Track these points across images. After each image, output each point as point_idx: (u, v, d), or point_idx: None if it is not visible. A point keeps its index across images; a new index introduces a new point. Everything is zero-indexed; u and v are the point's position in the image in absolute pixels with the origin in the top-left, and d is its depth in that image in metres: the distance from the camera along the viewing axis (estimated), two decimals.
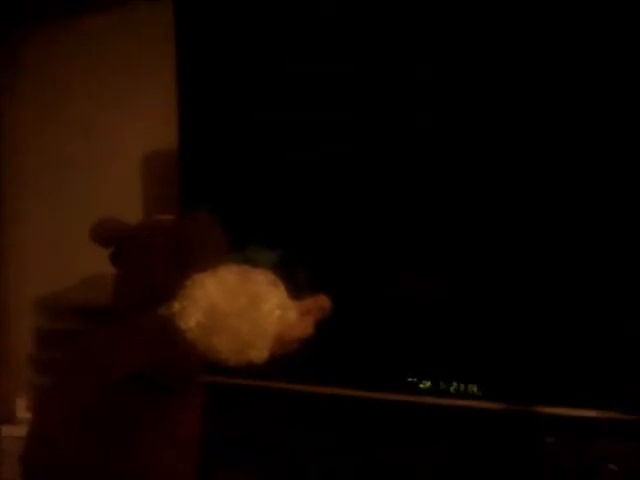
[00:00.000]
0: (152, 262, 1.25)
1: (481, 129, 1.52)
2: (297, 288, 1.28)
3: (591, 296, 1.45)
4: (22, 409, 2.23)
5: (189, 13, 1.81)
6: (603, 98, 1.43)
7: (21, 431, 2.04)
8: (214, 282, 1.21)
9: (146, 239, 1.27)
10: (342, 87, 1.63)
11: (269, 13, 1.71)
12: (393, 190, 1.61)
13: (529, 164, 1.49)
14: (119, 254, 1.29)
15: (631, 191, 1.42)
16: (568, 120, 1.45)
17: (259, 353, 1.20)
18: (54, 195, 2.34)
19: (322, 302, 1.29)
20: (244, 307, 1.20)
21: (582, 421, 1.42)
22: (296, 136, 1.66)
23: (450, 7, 1.54)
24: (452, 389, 1.52)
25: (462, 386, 1.52)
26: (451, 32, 1.54)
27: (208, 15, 1.79)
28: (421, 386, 1.55)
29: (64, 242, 2.29)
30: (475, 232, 1.54)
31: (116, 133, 2.22)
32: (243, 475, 1.62)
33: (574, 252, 1.46)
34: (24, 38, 2.33)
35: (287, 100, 1.68)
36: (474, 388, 1.51)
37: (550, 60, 1.47)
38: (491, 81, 1.51)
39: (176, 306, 1.20)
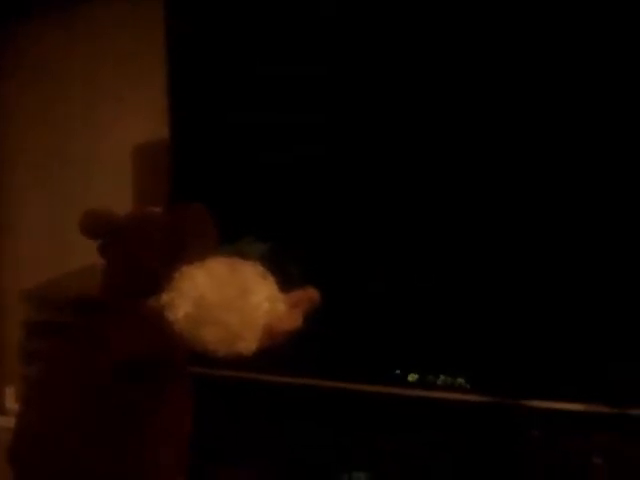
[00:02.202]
0: (141, 254, 1.24)
1: (478, 128, 1.53)
2: (286, 280, 1.28)
3: (576, 290, 1.46)
4: (11, 400, 2.23)
5: (179, 7, 1.80)
6: (602, 98, 1.44)
7: (10, 422, 2.04)
8: (203, 274, 1.21)
9: (135, 230, 1.27)
10: (333, 80, 1.63)
11: (259, 6, 1.71)
12: (382, 183, 1.61)
13: (519, 161, 1.50)
14: (108, 245, 1.28)
15: (621, 190, 1.43)
16: (565, 120, 1.47)
17: (248, 345, 1.20)
18: (45, 187, 2.34)
19: (311, 294, 1.29)
20: (233, 299, 1.19)
21: (567, 414, 1.44)
22: (287, 129, 1.66)
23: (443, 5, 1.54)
24: (439, 382, 1.53)
25: (449, 379, 1.53)
26: (446, 32, 1.54)
27: (198, 8, 1.78)
28: (409, 379, 1.56)
29: (54, 234, 2.29)
30: (462, 225, 1.55)
31: (108, 126, 2.22)
32: (231, 467, 1.63)
33: (558, 245, 1.47)
34: (19, 31, 2.32)
35: (278, 93, 1.68)
36: (461, 381, 1.52)
37: (544, 60, 1.48)
38: (486, 82, 1.52)
39: (164, 298, 1.20)
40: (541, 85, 1.48)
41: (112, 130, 2.21)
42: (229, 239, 1.34)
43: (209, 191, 1.73)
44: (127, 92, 2.17)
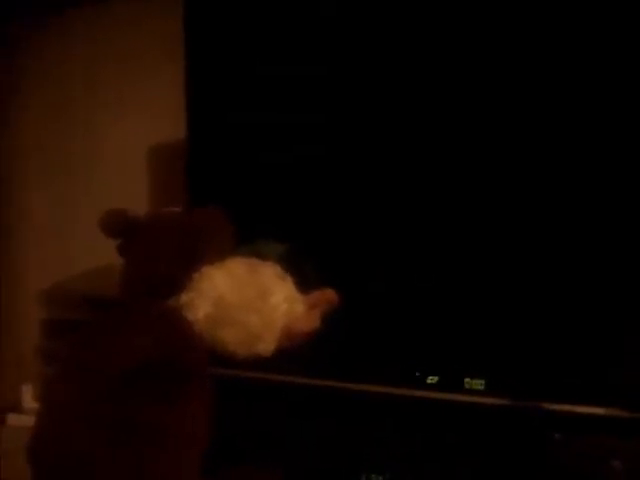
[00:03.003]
0: (160, 254, 1.25)
1: (481, 128, 1.52)
2: (305, 281, 1.28)
3: (599, 293, 1.45)
4: (28, 398, 2.24)
5: (199, 5, 1.81)
6: (602, 99, 1.42)
7: (27, 420, 2.06)
8: (222, 274, 1.21)
9: (154, 231, 1.27)
10: (353, 81, 1.63)
11: (280, 6, 1.71)
12: (402, 185, 1.60)
13: (525, 162, 1.50)
14: (127, 245, 1.28)
15: (625, 191, 1.42)
16: (565, 121, 1.45)
17: (266, 346, 1.20)
18: (61, 187, 2.35)
19: (329, 295, 1.29)
20: (252, 300, 1.19)
21: (589, 418, 1.43)
22: (306, 129, 1.65)
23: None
24: (459, 384, 1.52)
25: (469, 381, 1.52)
26: (447, 32, 1.54)
27: (218, 7, 1.78)
28: (428, 381, 1.55)
29: (71, 233, 2.30)
30: (482, 228, 1.54)
31: (122, 125, 2.23)
32: (248, 469, 1.63)
33: (579, 249, 1.46)
34: (26, 32, 2.33)
35: (296, 93, 1.68)
36: (481, 384, 1.52)
37: (544, 61, 1.47)
38: (487, 82, 1.51)
39: (184, 298, 1.20)
40: (541, 85, 1.47)
41: (126, 130, 2.23)
42: (247, 240, 1.34)
43: (226, 191, 1.73)
44: (140, 92, 2.18)
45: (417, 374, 1.56)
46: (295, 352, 1.24)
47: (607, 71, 1.42)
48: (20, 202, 2.42)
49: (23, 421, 2.12)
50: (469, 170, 1.55)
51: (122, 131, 2.23)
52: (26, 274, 2.40)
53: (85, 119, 2.29)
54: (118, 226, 1.26)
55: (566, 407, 1.44)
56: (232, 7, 1.77)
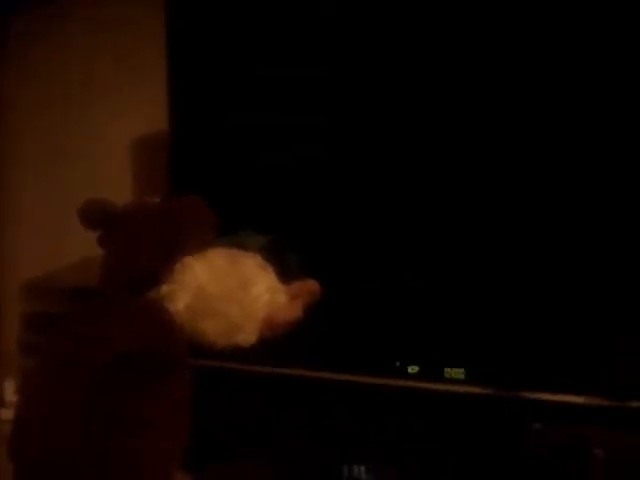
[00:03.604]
0: (140, 245, 1.24)
1: (477, 128, 1.53)
2: (287, 272, 1.28)
3: (576, 281, 1.46)
4: (10, 392, 2.24)
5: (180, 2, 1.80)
6: (603, 99, 1.43)
7: (9, 414, 2.04)
8: (203, 265, 1.21)
9: (134, 221, 1.26)
10: (334, 76, 1.63)
11: (262, 3, 1.70)
12: (381, 175, 1.61)
13: (519, 161, 1.50)
14: (107, 236, 1.28)
15: (620, 187, 1.43)
16: (565, 122, 1.46)
17: (247, 337, 1.20)
18: (42, 179, 2.34)
19: (311, 286, 1.29)
20: (233, 290, 1.19)
21: (568, 407, 1.44)
22: (287, 123, 1.65)
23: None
24: (440, 374, 1.53)
25: (449, 371, 1.53)
26: (447, 32, 1.54)
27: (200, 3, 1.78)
28: (409, 371, 1.56)
29: (53, 225, 2.29)
30: (459, 219, 1.55)
31: (106, 119, 2.22)
32: (229, 461, 1.63)
33: (556, 239, 1.48)
34: (15, 28, 2.32)
35: (277, 88, 1.68)
36: (461, 373, 1.53)
37: (544, 61, 1.47)
38: (487, 83, 1.51)
39: (164, 289, 1.20)
40: (541, 86, 1.48)
41: (111, 125, 2.22)
42: (229, 231, 1.34)
43: (208, 184, 1.73)
44: (126, 87, 2.17)
45: (397, 364, 1.57)
46: (276, 342, 1.24)
47: (606, 71, 1.43)
48: (6, 199, 2.40)
49: (6, 415, 2.11)
50: (442, 163, 1.56)
51: (117, 126, 2.22)
52: (6, 267, 2.38)
53: (73, 112, 2.28)
54: (97, 216, 1.25)
55: (546, 396, 1.46)
56: (213, 2, 1.76)
